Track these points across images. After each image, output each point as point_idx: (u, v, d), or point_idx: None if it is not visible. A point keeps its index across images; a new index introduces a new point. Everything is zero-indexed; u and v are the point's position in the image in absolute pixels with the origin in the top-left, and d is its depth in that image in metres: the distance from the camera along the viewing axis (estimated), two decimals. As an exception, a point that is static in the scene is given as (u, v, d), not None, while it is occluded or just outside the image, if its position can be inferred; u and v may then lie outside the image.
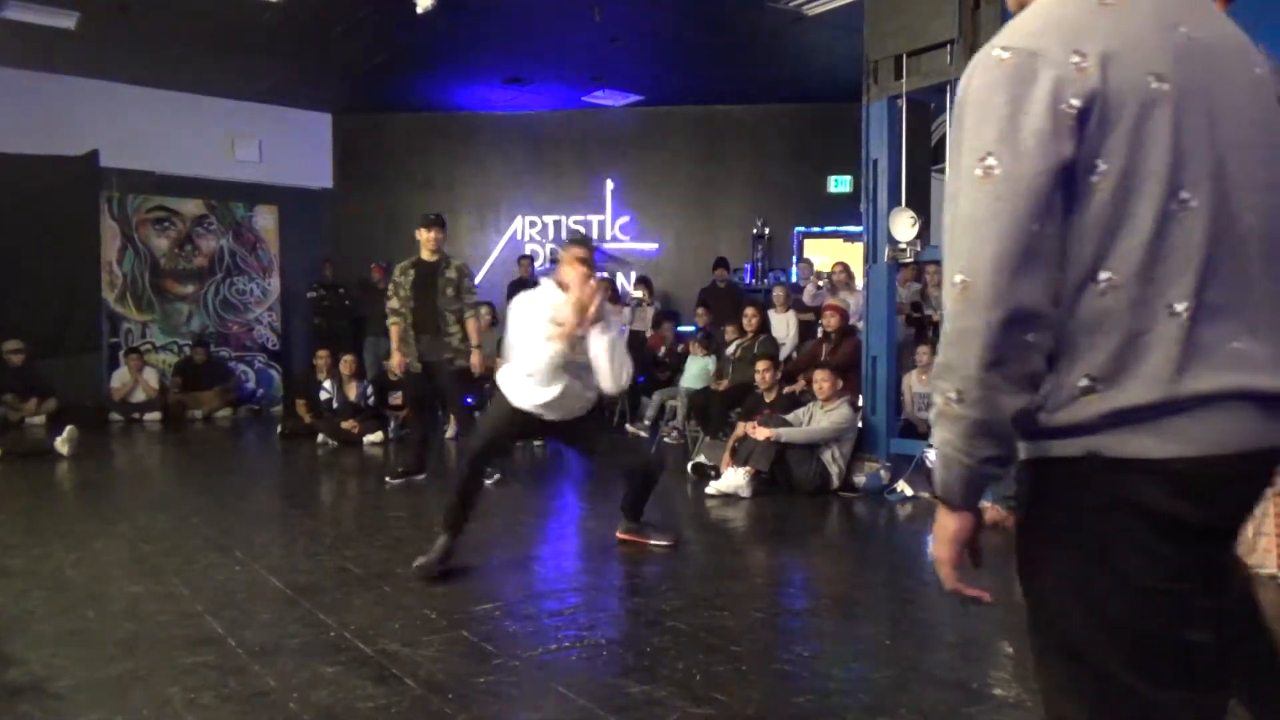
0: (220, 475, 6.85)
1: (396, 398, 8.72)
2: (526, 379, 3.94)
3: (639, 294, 9.86)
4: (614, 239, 11.20)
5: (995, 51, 1.14)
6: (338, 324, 10.70)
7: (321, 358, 8.89)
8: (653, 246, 11.20)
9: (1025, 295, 1.09)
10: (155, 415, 9.88)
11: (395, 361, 6.10)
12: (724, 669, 2.85)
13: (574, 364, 3.93)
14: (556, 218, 11.19)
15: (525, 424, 4.08)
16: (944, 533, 1.22)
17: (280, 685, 2.69)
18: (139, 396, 9.96)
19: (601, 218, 11.21)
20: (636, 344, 9.36)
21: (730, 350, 7.82)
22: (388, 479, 6.12)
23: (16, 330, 9.33)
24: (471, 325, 6.06)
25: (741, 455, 5.87)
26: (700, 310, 9.17)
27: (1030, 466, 1.19)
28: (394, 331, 6.06)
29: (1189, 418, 1.10)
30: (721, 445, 6.37)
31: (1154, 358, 1.10)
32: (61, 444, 7.17)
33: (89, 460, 7.19)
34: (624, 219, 11.20)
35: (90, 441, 7.73)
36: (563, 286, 3.96)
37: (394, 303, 6.05)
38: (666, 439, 8.35)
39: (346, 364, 8.70)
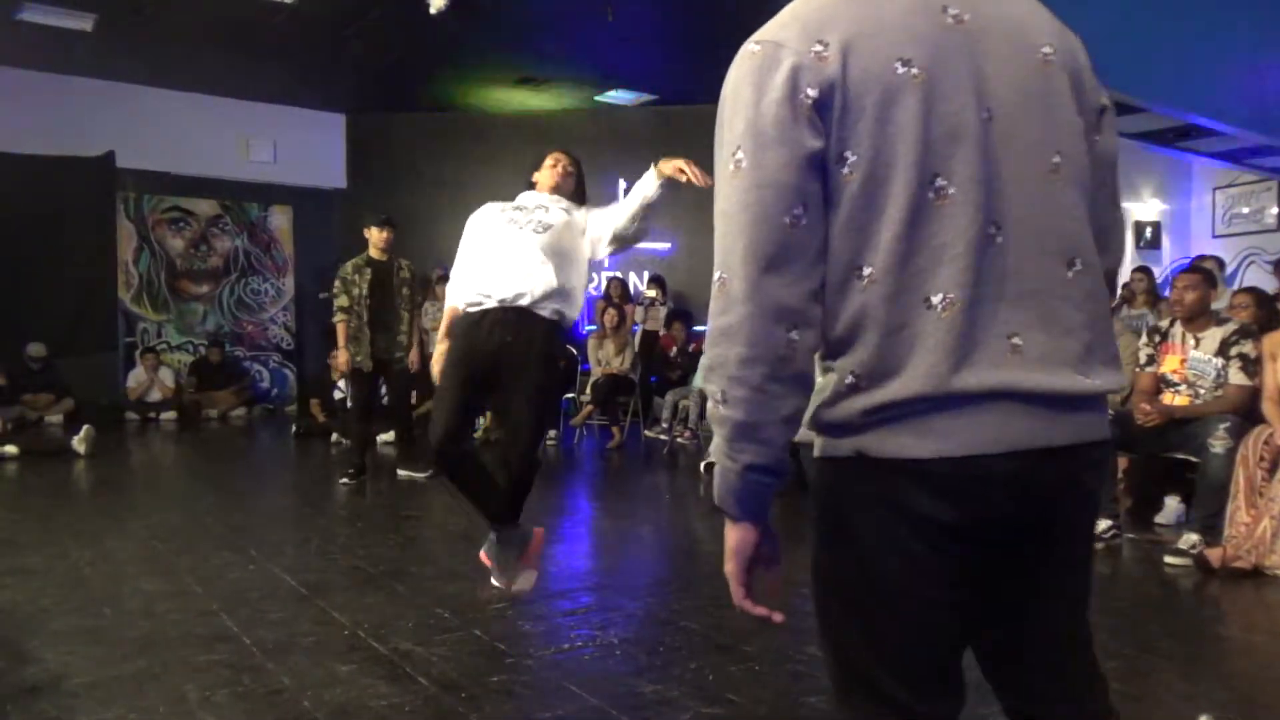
0: (234, 474, 6.88)
1: (411, 397, 8.74)
2: (478, 269, 3.39)
3: (652, 293, 9.86)
4: (626, 238, 11.18)
5: (748, 45, 1.12)
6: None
7: (335, 357, 8.92)
8: (665, 246, 11.19)
9: (780, 291, 1.05)
10: (171, 414, 9.94)
11: (341, 360, 6.12)
12: (737, 669, 2.84)
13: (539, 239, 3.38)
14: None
15: (474, 352, 3.29)
16: (727, 546, 1.17)
17: (294, 683, 2.70)
18: (154, 396, 10.03)
19: (614, 217, 11.20)
20: (649, 344, 9.36)
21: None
22: (343, 480, 6.02)
23: (33, 329, 9.40)
24: (416, 322, 6.25)
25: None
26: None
27: (815, 463, 1.17)
28: (341, 330, 6.10)
29: (951, 416, 1.05)
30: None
31: (914, 354, 1.05)
32: (78, 443, 7.22)
33: (105, 459, 7.24)
34: (636, 218, 11.18)
35: (106, 440, 7.78)
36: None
37: (343, 300, 6.08)
38: (680, 439, 8.35)
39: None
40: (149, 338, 10.62)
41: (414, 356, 6.18)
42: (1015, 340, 1.07)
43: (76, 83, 9.83)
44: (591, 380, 8.53)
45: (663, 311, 9.67)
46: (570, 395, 8.85)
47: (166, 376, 10.19)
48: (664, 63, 9.59)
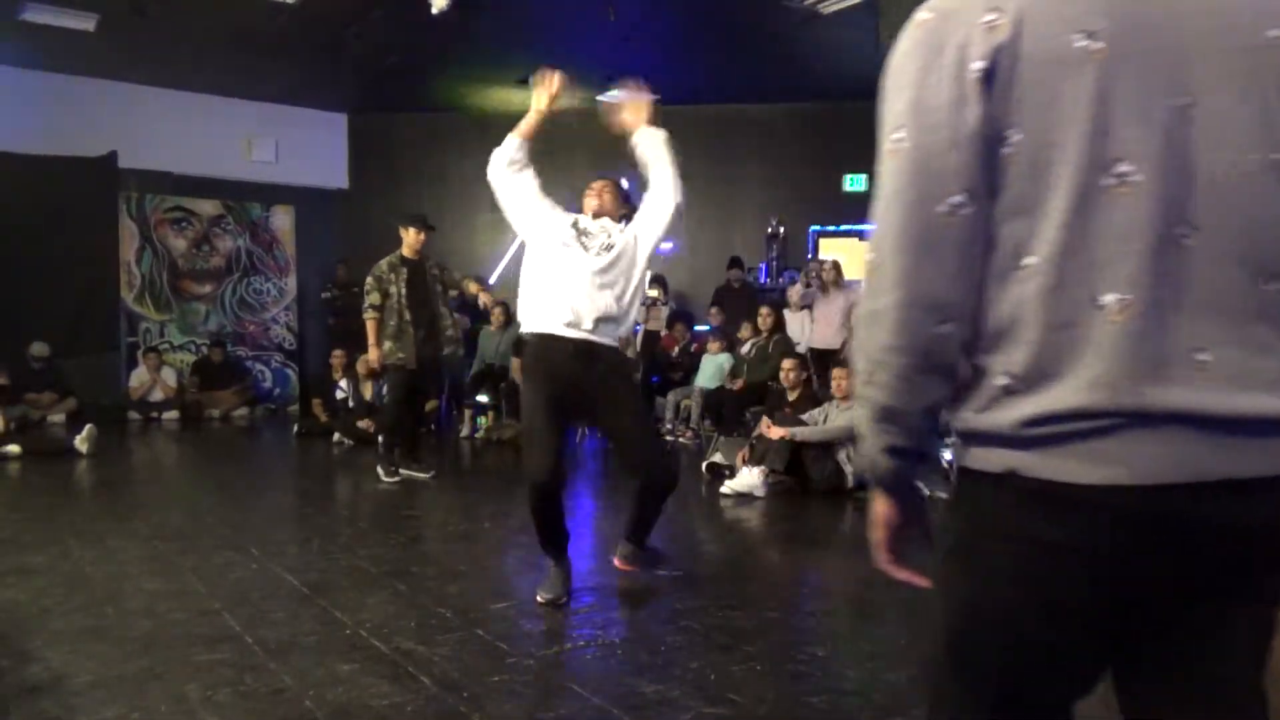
0: (237, 474, 6.89)
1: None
2: (541, 283, 3.50)
3: (653, 293, 9.85)
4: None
5: (919, 12, 1.03)
6: (353, 324, 10.74)
7: (337, 357, 8.94)
8: (667, 246, 11.16)
9: (932, 283, 0.99)
10: (173, 414, 9.95)
11: (372, 357, 6.14)
12: (738, 669, 2.84)
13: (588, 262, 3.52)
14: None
15: (555, 380, 3.39)
16: (874, 513, 1.16)
17: (296, 683, 2.70)
18: (157, 395, 10.03)
19: (616, 217, 11.19)
20: (651, 344, 9.36)
21: (745, 350, 7.81)
22: (386, 477, 6.05)
23: (35, 329, 9.41)
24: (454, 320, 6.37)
25: (756, 454, 5.85)
26: (714, 310, 9.16)
27: (959, 472, 1.08)
28: (372, 327, 6.06)
29: (1124, 437, 0.93)
30: (736, 444, 6.36)
31: (1080, 359, 0.95)
32: (80, 443, 7.23)
33: (107, 459, 7.25)
34: (638, 218, 11.18)
35: (108, 440, 7.79)
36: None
37: (375, 298, 6.04)
38: (681, 439, 8.35)
39: (362, 364, 8.73)
40: (151, 337, 10.62)
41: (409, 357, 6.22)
42: (1201, 356, 0.94)
43: (79, 83, 9.84)
44: (593, 380, 8.51)
45: (664, 311, 9.67)
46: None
47: (169, 376, 10.19)
48: (666, 63, 9.58)
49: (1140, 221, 0.95)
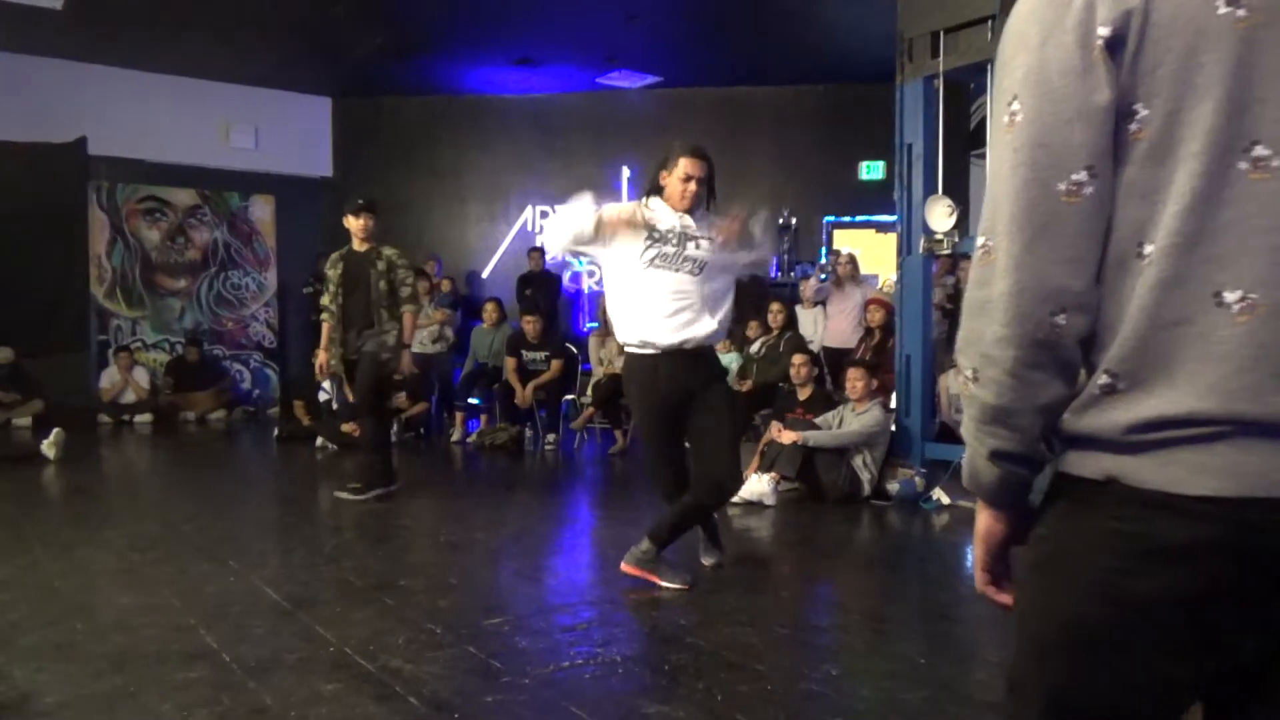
0: (214, 480, 6.90)
1: (400, 399, 8.77)
2: (638, 304, 3.70)
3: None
4: (630, 230, 11.19)
5: None
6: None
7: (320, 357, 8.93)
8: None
9: (1049, 268, 0.96)
10: (146, 417, 9.97)
11: (320, 360, 5.96)
12: (747, 688, 2.84)
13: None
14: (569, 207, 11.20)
15: (660, 401, 3.76)
16: (976, 528, 1.12)
17: (277, 703, 2.71)
18: (129, 397, 10.06)
19: (617, 207, 11.20)
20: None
21: (754, 348, 7.81)
22: (343, 494, 5.73)
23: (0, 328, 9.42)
24: (408, 321, 5.83)
25: (766, 460, 5.86)
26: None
27: (1054, 477, 1.05)
28: (323, 329, 5.95)
29: (1241, 447, 0.90)
30: (747, 448, 6.37)
31: (1194, 360, 0.92)
32: (48, 447, 7.24)
33: (76, 464, 7.26)
34: (641, 208, 11.18)
35: (78, 445, 7.80)
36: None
37: (324, 298, 5.95)
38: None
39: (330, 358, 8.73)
40: (123, 335, 10.64)
41: (406, 361, 5.91)
42: None
43: (45, 64, 9.86)
44: (593, 381, 8.54)
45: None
46: (570, 397, 8.87)
47: (141, 377, 10.21)
48: (670, 43, 9.59)
49: (1277, 212, 0.91)
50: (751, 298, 9.18)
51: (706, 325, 3.70)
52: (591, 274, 11.17)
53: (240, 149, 11.07)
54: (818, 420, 6.06)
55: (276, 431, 9.00)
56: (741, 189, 11.17)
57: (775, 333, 7.75)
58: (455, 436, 8.77)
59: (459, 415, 8.86)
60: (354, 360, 5.85)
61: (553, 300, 10.15)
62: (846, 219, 10.51)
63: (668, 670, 3.00)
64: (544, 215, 11.48)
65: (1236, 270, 0.91)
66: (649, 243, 3.66)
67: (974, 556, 1.15)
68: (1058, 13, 0.96)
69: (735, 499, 5.75)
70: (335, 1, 8.15)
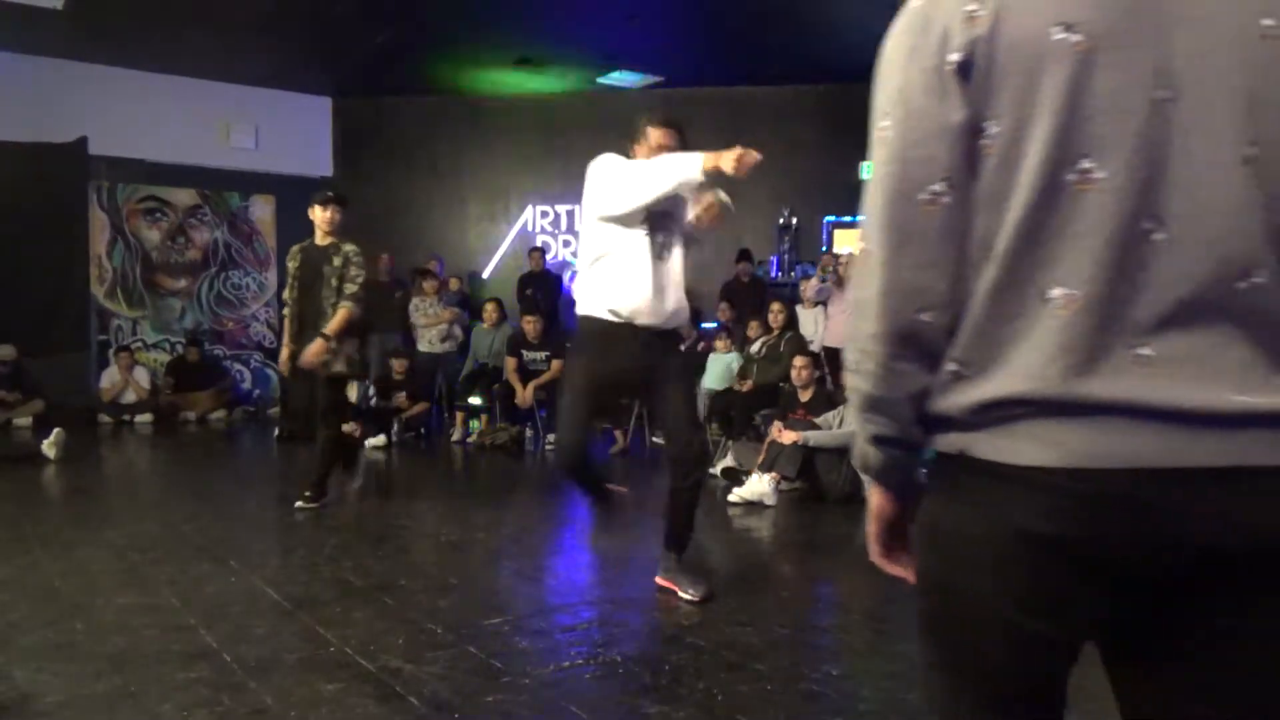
0: (214, 480, 6.90)
1: (401, 399, 8.78)
2: (615, 269, 3.66)
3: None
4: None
5: (911, 1, 1.10)
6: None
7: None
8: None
9: (911, 271, 1.07)
10: (146, 417, 9.97)
11: (281, 358, 5.67)
12: (747, 689, 2.85)
13: (667, 234, 3.76)
14: (570, 207, 11.22)
15: (614, 361, 3.65)
16: (869, 506, 1.25)
17: (277, 703, 2.71)
18: (129, 397, 10.06)
19: (618, 207, 11.21)
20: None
21: (755, 349, 7.82)
22: (298, 504, 5.53)
23: (0, 327, 9.42)
24: (340, 315, 5.42)
25: (767, 460, 5.86)
26: (723, 306, 9.16)
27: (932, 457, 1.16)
28: (286, 325, 5.68)
29: (1060, 423, 1.01)
30: (749, 448, 6.37)
31: (1020, 349, 1.03)
32: (48, 447, 7.25)
33: (77, 464, 7.27)
34: (642, 208, 11.19)
35: (78, 445, 7.81)
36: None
37: (287, 292, 5.70)
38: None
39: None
40: (123, 335, 10.65)
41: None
42: (1146, 350, 1.00)
43: (46, 64, 9.87)
44: (593, 381, 8.52)
45: (669, 308, 9.65)
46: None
47: (142, 376, 10.22)
48: (671, 43, 9.59)
49: (1099, 219, 1.00)
50: (752, 298, 9.20)
51: (682, 308, 3.76)
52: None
53: (241, 149, 11.07)
54: (818, 420, 6.07)
55: (277, 431, 9.01)
56: (743, 188, 11.17)
57: (776, 333, 7.75)
58: (456, 436, 8.77)
59: (459, 415, 8.86)
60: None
61: (553, 300, 10.16)
62: (848, 219, 10.51)
63: (668, 670, 3.00)
64: (544, 215, 11.49)
65: (1061, 270, 1.01)
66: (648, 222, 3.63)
67: (868, 532, 1.25)
68: (919, 39, 1.06)
69: (735, 499, 5.76)
70: (336, 2, 8.15)
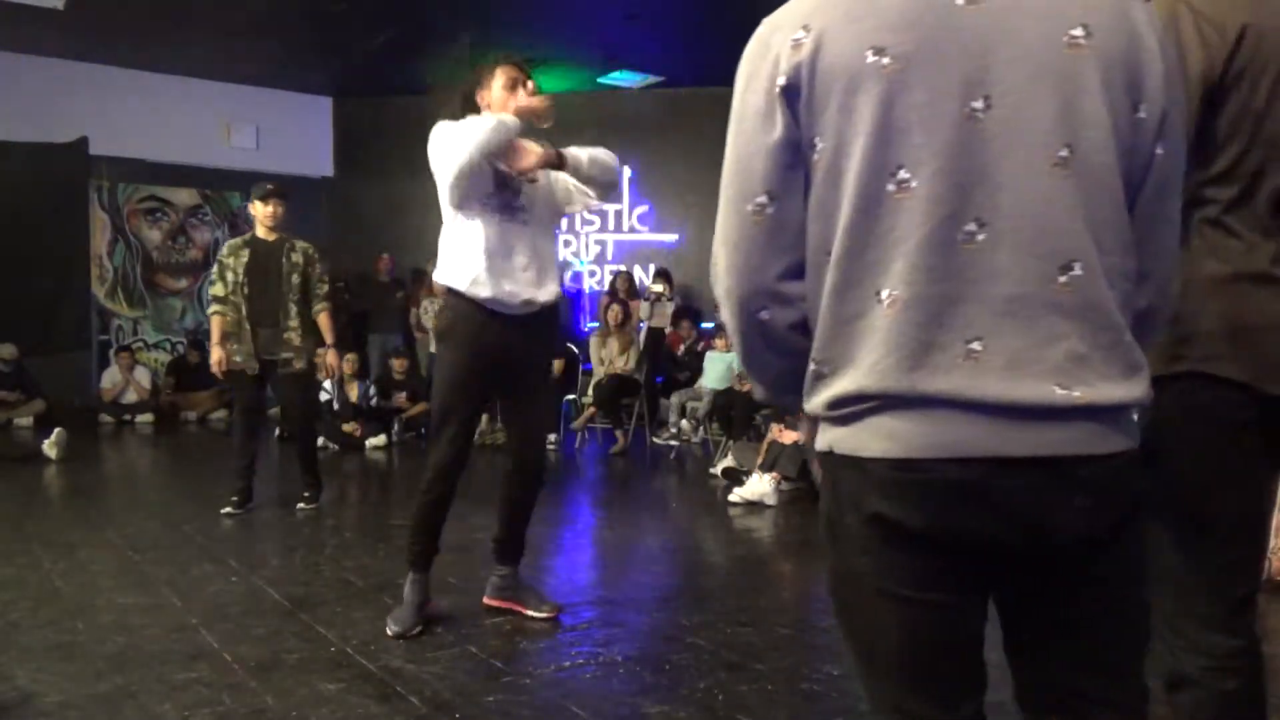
0: (215, 481, 6.90)
1: (401, 399, 8.78)
2: (468, 246, 3.22)
3: (658, 288, 9.87)
4: (632, 229, 11.21)
5: (761, 25, 1.19)
6: (337, 320, 10.76)
7: (321, 356, 8.93)
8: (673, 238, 11.20)
9: (745, 275, 1.18)
10: (147, 417, 9.97)
11: (214, 359, 5.39)
12: (748, 688, 2.85)
13: (520, 208, 3.28)
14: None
15: (483, 354, 3.25)
16: (802, 433, 1.41)
17: (278, 703, 2.71)
18: (130, 397, 10.06)
19: (618, 207, 11.22)
20: (655, 342, 9.37)
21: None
22: (227, 509, 5.44)
23: (0, 327, 9.43)
24: (325, 320, 5.58)
25: (768, 460, 5.86)
26: (724, 306, 9.16)
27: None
28: (215, 323, 5.39)
29: (898, 416, 1.10)
30: (750, 448, 6.37)
31: (862, 348, 1.12)
32: (49, 447, 7.25)
33: (77, 464, 7.27)
34: (642, 208, 11.21)
35: (79, 444, 7.81)
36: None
37: (217, 288, 5.43)
38: (692, 440, 8.37)
39: (348, 363, 8.76)
40: (124, 335, 10.65)
41: (333, 358, 5.69)
42: (974, 345, 1.09)
43: (47, 64, 9.87)
44: (594, 381, 8.54)
45: (669, 307, 9.68)
46: (571, 397, 8.86)
47: (143, 376, 10.22)
48: (671, 43, 9.59)
49: (914, 223, 1.08)
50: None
51: (550, 288, 3.30)
52: (593, 274, 11.18)
53: (241, 149, 11.07)
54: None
55: (278, 432, 9.00)
56: (743, 189, 11.19)
57: (777, 333, 7.74)
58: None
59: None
60: (269, 360, 5.45)
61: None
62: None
63: (669, 670, 3.00)
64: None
65: (888, 272, 1.10)
66: (495, 184, 3.22)
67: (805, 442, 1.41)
68: (757, 64, 1.16)
69: (736, 498, 5.76)
70: (336, 2, 8.15)
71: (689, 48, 9.67)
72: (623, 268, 10.51)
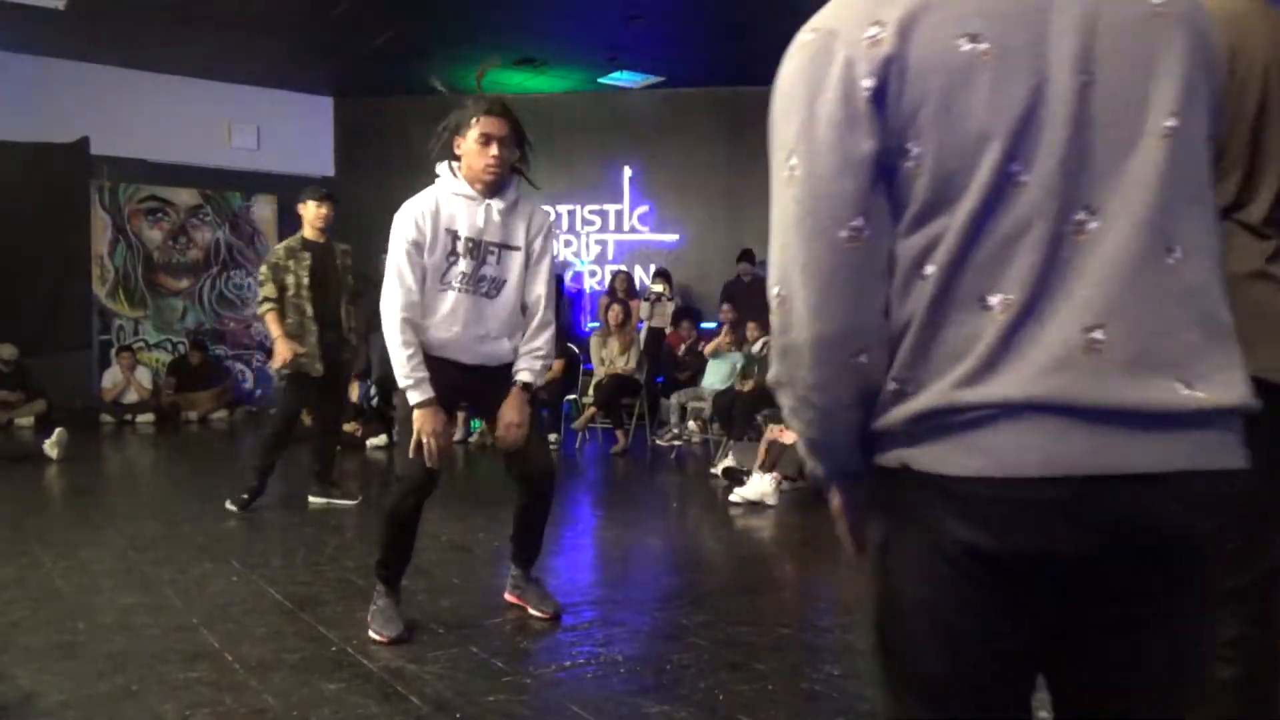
0: (216, 480, 6.89)
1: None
2: (437, 315, 3.24)
3: (658, 288, 9.87)
4: (632, 230, 11.21)
5: (802, 32, 1.08)
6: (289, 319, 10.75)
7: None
8: (673, 238, 11.20)
9: (844, 313, 1.04)
10: (148, 417, 9.97)
11: (281, 354, 5.36)
12: (749, 688, 2.84)
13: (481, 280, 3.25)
14: (571, 207, 11.22)
15: (452, 390, 3.31)
16: (832, 506, 1.25)
17: (279, 703, 2.71)
18: (131, 397, 10.06)
19: (619, 207, 11.22)
20: (656, 342, 9.37)
21: (756, 349, 7.82)
22: (234, 507, 5.47)
23: (2, 327, 9.43)
24: (359, 317, 5.77)
25: (769, 460, 5.86)
26: (726, 307, 9.16)
27: (872, 471, 1.14)
28: (274, 321, 5.38)
29: (994, 429, 0.98)
30: (750, 448, 6.37)
31: (959, 359, 1.00)
32: (50, 447, 7.25)
33: (79, 464, 7.27)
34: (643, 209, 11.21)
35: (80, 444, 7.81)
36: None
37: (269, 289, 5.40)
38: (693, 440, 8.37)
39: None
40: (125, 335, 10.66)
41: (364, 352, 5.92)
42: (1095, 335, 0.98)
43: (48, 64, 9.87)
44: (594, 381, 8.54)
45: (670, 307, 9.68)
46: (572, 397, 8.86)
47: (144, 376, 10.22)
48: (673, 43, 9.59)
49: (1030, 220, 0.99)
50: (754, 298, 9.19)
51: (504, 347, 3.30)
52: (593, 274, 11.18)
53: (242, 149, 11.08)
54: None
55: (278, 431, 8.99)
56: (745, 188, 11.19)
57: (777, 333, 7.74)
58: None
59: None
60: (334, 363, 5.53)
61: (554, 300, 10.15)
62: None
63: (669, 670, 3.00)
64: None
65: (997, 277, 1.00)
66: (450, 260, 3.19)
67: (839, 533, 1.25)
68: (821, 71, 1.03)
69: (737, 499, 5.76)
70: (337, 2, 8.15)
71: (689, 48, 9.67)
72: (622, 268, 10.52)
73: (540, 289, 3.36)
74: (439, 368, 3.22)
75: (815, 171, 1.03)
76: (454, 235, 3.20)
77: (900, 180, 1.02)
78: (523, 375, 3.29)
